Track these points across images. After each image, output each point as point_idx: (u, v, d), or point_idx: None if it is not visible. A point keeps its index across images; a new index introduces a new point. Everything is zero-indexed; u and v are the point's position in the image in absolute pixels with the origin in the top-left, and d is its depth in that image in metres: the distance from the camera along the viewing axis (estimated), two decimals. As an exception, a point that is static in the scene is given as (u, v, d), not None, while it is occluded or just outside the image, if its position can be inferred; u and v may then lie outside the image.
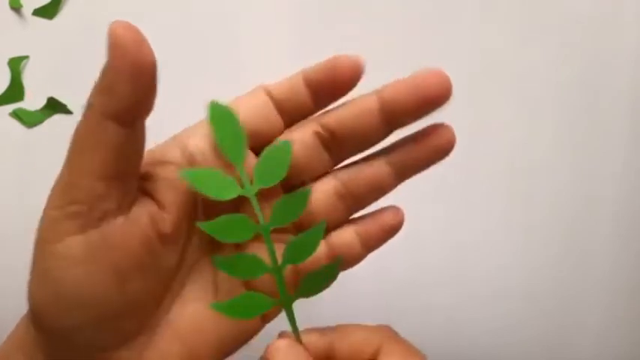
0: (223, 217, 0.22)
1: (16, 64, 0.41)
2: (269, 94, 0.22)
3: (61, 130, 0.39)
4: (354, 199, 0.23)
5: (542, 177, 0.42)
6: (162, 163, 0.21)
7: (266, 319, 0.24)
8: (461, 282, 0.41)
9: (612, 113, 0.42)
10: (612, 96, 0.42)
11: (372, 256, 0.43)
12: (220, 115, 0.22)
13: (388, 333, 0.24)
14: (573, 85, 0.42)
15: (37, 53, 0.41)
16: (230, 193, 0.22)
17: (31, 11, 0.41)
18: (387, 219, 0.24)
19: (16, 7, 0.41)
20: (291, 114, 0.22)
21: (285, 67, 0.38)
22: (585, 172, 0.42)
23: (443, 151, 0.23)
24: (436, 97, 0.21)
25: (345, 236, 0.23)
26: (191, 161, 0.21)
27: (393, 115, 0.22)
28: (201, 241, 0.22)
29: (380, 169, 0.23)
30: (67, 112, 0.41)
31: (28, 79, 0.41)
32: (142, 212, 0.20)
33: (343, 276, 0.37)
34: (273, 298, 0.23)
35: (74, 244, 0.19)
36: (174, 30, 0.42)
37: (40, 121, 0.41)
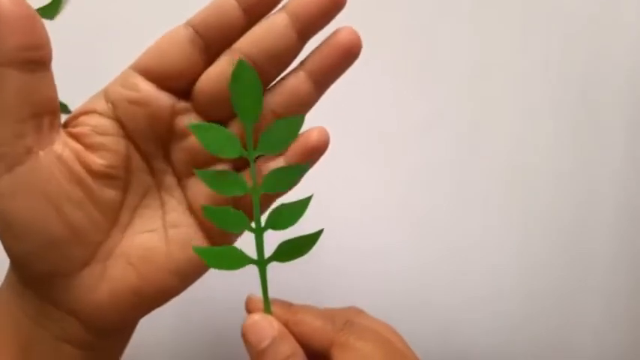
0: (220, 171, 0.25)
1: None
2: (193, 25, 0.24)
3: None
4: (281, 114, 0.25)
5: (542, 177, 0.42)
6: (87, 112, 0.24)
7: (221, 245, 0.26)
8: (460, 282, 0.41)
9: (612, 113, 0.42)
10: (612, 95, 0.42)
11: (371, 257, 0.43)
12: (244, 75, 0.23)
13: (346, 320, 0.26)
14: (573, 85, 0.42)
15: None
16: (232, 153, 0.24)
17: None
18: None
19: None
20: (220, 39, 0.24)
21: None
22: (584, 172, 0.42)
23: (350, 50, 0.25)
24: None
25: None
26: (113, 110, 0.24)
27: (303, 25, 0.24)
28: (145, 182, 0.25)
29: (298, 79, 0.25)
30: (67, 112, 0.41)
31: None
32: (65, 149, 0.23)
33: (343, 276, 0.37)
34: (250, 257, 0.25)
35: (5, 181, 0.22)
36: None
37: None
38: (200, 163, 0.25)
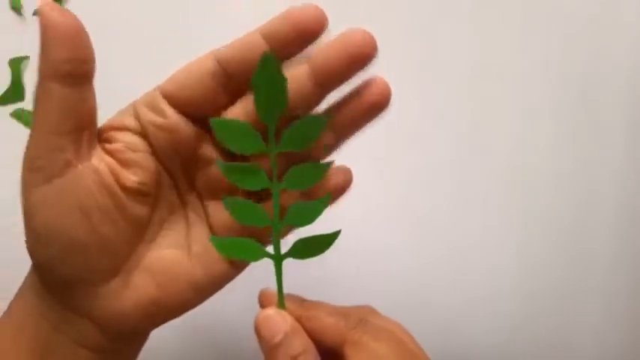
0: (241, 164, 0.25)
1: (16, 65, 0.41)
2: (219, 58, 0.23)
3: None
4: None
5: (542, 177, 0.42)
6: (119, 128, 0.24)
7: (237, 267, 0.26)
8: (460, 282, 0.41)
9: (612, 113, 0.42)
10: (612, 95, 0.42)
11: (371, 257, 0.43)
12: (269, 69, 0.23)
13: (360, 318, 0.26)
14: (573, 85, 0.42)
15: (38, 53, 0.41)
16: (253, 149, 0.24)
17: (32, 11, 0.41)
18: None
19: (16, 7, 0.41)
20: (245, 76, 0.23)
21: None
22: (584, 172, 0.42)
23: (379, 105, 0.24)
24: (364, 55, 0.23)
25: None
26: (143, 129, 0.24)
27: (325, 79, 0.23)
28: (172, 199, 0.26)
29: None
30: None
31: (28, 79, 0.41)
32: (102, 163, 0.24)
33: (343, 275, 0.37)
34: (267, 251, 0.25)
35: (43, 192, 0.23)
36: (174, 30, 0.42)
37: (41, 121, 0.41)
38: (221, 191, 0.25)
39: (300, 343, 0.25)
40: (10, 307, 0.27)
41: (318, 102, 0.24)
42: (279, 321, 0.25)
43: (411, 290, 0.40)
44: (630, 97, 0.42)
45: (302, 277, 0.36)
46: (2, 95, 0.41)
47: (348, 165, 0.40)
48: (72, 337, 0.25)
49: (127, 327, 0.25)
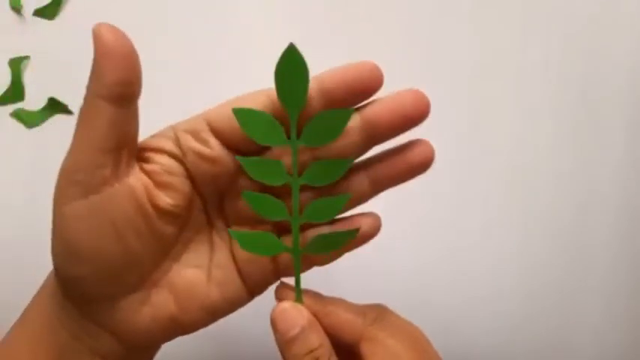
0: (260, 158, 0.25)
1: (16, 65, 0.41)
2: (272, 98, 0.24)
3: (61, 131, 0.39)
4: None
5: (542, 177, 0.42)
6: (157, 150, 0.25)
7: (251, 294, 0.27)
8: (460, 282, 0.41)
9: (612, 113, 0.42)
10: (612, 95, 0.42)
11: (371, 257, 0.43)
12: (293, 61, 0.23)
13: (376, 316, 0.26)
14: (573, 85, 0.42)
15: (38, 53, 0.41)
16: (274, 141, 0.24)
17: (32, 11, 0.41)
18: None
19: (16, 7, 0.41)
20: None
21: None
22: (584, 172, 0.42)
23: (419, 166, 0.25)
24: (415, 116, 0.24)
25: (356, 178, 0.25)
26: (182, 155, 0.25)
27: (374, 133, 0.24)
28: (200, 221, 0.26)
29: (357, 180, 0.25)
30: (68, 112, 0.41)
31: (28, 79, 0.41)
32: (138, 183, 0.24)
33: (343, 276, 0.37)
34: (285, 245, 0.25)
35: (78, 206, 0.23)
36: (175, 30, 0.42)
37: (41, 122, 0.41)
38: (246, 223, 0.26)
39: (317, 337, 0.25)
40: (24, 316, 0.27)
41: (364, 151, 0.25)
42: (296, 315, 0.25)
43: (411, 290, 0.40)
44: (630, 97, 0.42)
45: (302, 277, 0.36)
46: (2, 95, 0.41)
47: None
48: (89, 346, 0.26)
49: (143, 340, 0.26)
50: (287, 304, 0.25)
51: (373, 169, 0.25)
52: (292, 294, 0.26)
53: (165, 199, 0.25)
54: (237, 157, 0.25)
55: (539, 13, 0.42)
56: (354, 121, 0.24)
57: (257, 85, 0.36)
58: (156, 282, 0.26)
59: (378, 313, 0.26)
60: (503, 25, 0.42)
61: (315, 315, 0.26)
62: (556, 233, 0.41)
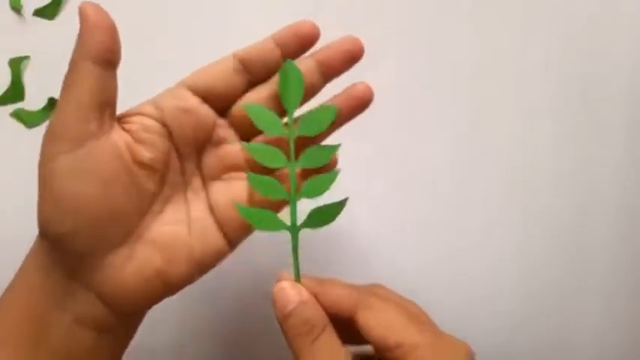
0: (263, 145, 0.29)
1: (16, 65, 0.41)
2: (239, 57, 0.29)
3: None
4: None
5: (542, 177, 0.42)
6: (137, 114, 0.28)
7: (232, 245, 0.29)
8: (460, 282, 0.41)
9: (612, 113, 0.42)
10: (612, 95, 0.42)
11: (371, 257, 0.43)
12: (290, 71, 0.29)
13: (371, 289, 0.29)
14: (573, 85, 0.42)
15: (38, 53, 0.41)
16: (275, 131, 0.29)
17: (32, 11, 0.41)
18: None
19: (16, 7, 0.41)
20: (259, 71, 0.29)
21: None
22: (584, 172, 0.42)
23: (355, 53, 0.30)
24: (354, 53, 0.29)
25: (306, 62, 0.30)
26: (161, 115, 0.28)
27: (326, 70, 0.29)
28: (177, 180, 0.29)
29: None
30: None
31: (28, 79, 0.41)
32: (120, 139, 0.27)
33: (343, 276, 0.37)
34: (285, 223, 0.28)
35: (66, 160, 0.25)
36: (175, 30, 0.42)
37: (41, 122, 0.41)
38: (230, 167, 0.30)
39: (313, 312, 0.27)
40: (8, 290, 0.28)
41: (321, 87, 0.30)
42: (293, 291, 0.27)
43: (411, 290, 0.40)
44: (630, 97, 0.42)
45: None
46: (2, 95, 0.41)
47: (348, 165, 0.41)
48: (74, 314, 0.27)
49: (130, 300, 0.28)
50: (286, 283, 0.27)
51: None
52: (292, 279, 0.28)
53: (144, 153, 0.27)
54: (242, 143, 0.29)
55: (539, 13, 0.42)
56: (310, 64, 0.29)
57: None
58: (140, 237, 0.28)
59: (373, 287, 0.29)
60: (503, 25, 0.42)
61: (313, 293, 0.27)
62: (556, 233, 0.41)
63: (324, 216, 0.29)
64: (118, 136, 0.27)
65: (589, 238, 0.42)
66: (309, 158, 0.29)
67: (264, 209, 0.28)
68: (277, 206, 0.29)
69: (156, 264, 0.28)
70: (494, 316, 0.41)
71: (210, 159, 0.30)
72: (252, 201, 0.29)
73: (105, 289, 0.27)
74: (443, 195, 0.41)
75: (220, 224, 0.29)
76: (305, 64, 0.29)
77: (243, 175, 0.29)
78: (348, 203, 0.41)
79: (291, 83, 0.29)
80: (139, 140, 0.28)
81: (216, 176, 0.30)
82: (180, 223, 0.29)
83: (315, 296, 0.27)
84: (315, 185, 0.29)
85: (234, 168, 0.30)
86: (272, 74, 0.29)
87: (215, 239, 0.29)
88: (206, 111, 0.29)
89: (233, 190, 0.29)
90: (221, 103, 0.29)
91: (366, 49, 0.41)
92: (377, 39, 0.41)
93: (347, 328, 0.27)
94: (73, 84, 0.26)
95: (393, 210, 0.41)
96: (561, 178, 0.42)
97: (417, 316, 0.27)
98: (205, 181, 0.30)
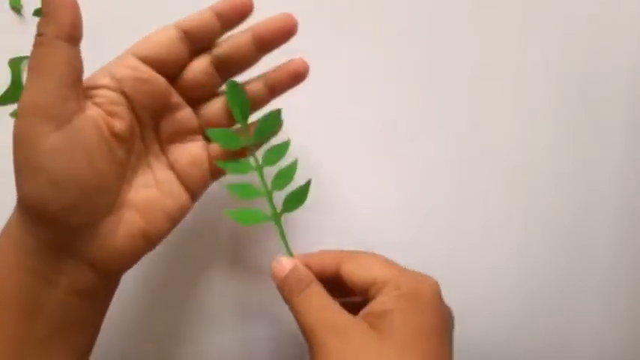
0: (236, 161, 0.34)
1: (16, 65, 0.41)
2: (182, 27, 0.31)
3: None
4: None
5: (542, 177, 0.42)
6: (98, 87, 0.30)
7: (194, 197, 0.33)
8: (460, 282, 0.41)
9: (612, 113, 0.42)
10: (612, 95, 0.42)
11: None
12: (234, 89, 0.33)
13: (355, 251, 0.33)
14: (573, 85, 0.42)
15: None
16: (237, 144, 0.34)
17: (32, 11, 0.41)
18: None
19: (16, 7, 0.41)
20: (201, 40, 0.32)
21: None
22: (584, 172, 0.42)
23: (298, 73, 0.33)
24: (287, 27, 0.32)
25: (254, 84, 0.34)
26: (120, 86, 0.30)
27: (261, 43, 0.32)
28: (139, 148, 0.32)
29: (256, 86, 0.34)
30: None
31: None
32: (95, 113, 0.29)
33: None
34: (267, 214, 0.34)
35: (54, 139, 0.26)
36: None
37: (41, 121, 0.41)
38: (185, 130, 0.33)
39: (303, 273, 0.31)
40: None
41: (256, 61, 0.33)
42: (286, 262, 0.32)
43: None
44: (630, 97, 0.42)
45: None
46: (2, 95, 0.41)
47: (348, 165, 0.41)
48: (63, 286, 0.28)
49: (118, 262, 0.30)
50: (281, 257, 0.33)
51: (267, 78, 0.33)
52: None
53: (117, 125, 0.29)
54: (218, 162, 0.33)
55: (539, 13, 0.42)
56: (247, 36, 0.32)
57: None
58: (122, 204, 0.30)
59: (357, 250, 0.33)
60: (503, 25, 0.42)
61: (303, 262, 0.32)
62: (556, 233, 0.41)
63: (297, 199, 0.34)
64: (92, 111, 0.29)
65: (589, 238, 0.42)
66: (270, 157, 0.34)
67: (250, 209, 0.34)
68: (239, 154, 0.34)
69: (140, 225, 0.30)
70: (495, 316, 0.41)
71: (166, 125, 0.32)
72: (210, 156, 0.33)
73: (99, 257, 0.29)
74: (443, 195, 0.41)
75: (182, 182, 0.32)
76: (243, 36, 0.32)
77: (198, 136, 0.33)
78: (348, 204, 0.41)
79: (238, 100, 0.33)
80: (110, 113, 0.29)
81: (173, 140, 0.33)
82: (151, 186, 0.32)
83: (306, 264, 0.32)
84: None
85: (188, 131, 0.33)
86: (212, 42, 0.32)
87: (180, 195, 0.32)
88: (160, 79, 0.31)
89: (190, 150, 0.33)
90: (170, 71, 0.31)
91: (365, 49, 0.41)
92: (377, 39, 0.41)
93: (337, 287, 0.31)
94: (49, 63, 0.26)
95: (393, 210, 0.41)
96: (561, 178, 0.42)
97: (394, 265, 0.32)
98: (163, 146, 0.33)
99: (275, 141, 0.35)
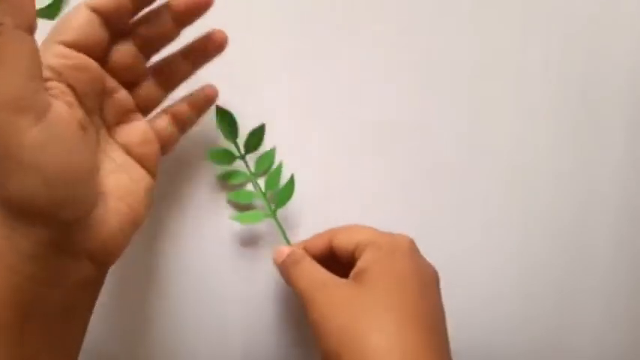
0: (230, 170, 0.39)
1: None
2: (95, 10, 0.30)
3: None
4: (167, 83, 0.35)
5: (542, 177, 0.42)
6: (45, 79, 0.28)
7: (153, 176, 0.34)
8: (460, 282, 0.41)
9: (612, 113, 0.42)
10: (612, 95, 0.42)
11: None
12: (222, 113, 0.38)
13: (342, 226, 0.37)
14: (573, 85, 0.42)
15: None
16: (231, 161, 0.39)
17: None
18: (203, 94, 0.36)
19: None
20: (118, 22, 0.31)
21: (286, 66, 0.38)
22: (584, 172, 0.42)
23: (217, 42, 0.35)
24: (202, 3, 0.32)
25: (160, 121, 0.35)
26: (61, 77, 0.29)
27: (179, 18, 0.33)
28: (95, 137, 0.31)
29: (176, 60, 0.35)
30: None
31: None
32: (61, 104, 0.27)
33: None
34: (264, 213, 0.38)
35: (37, 133, 0.25)
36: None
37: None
38: (126, 111, 0.33)
39: (299, 253, 0.35)
40: None
41: (179, 33, 0.33)
42: (286, 248, 0.36)
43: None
44: (630, 97, 0.42)
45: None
46: None
47: (348, 165, 0.41)
48: (66, 285, 0.28)
49: (112, 249, 0.30)
50: (281, 247, 0.36)
51: (186, 51, 0.35)
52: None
53: (78, 115, 0.29)
54: (209, 152, 0.38)
55: (539, 13, 0.42)
56: (167, 14, 0.32)
57: (254, 85, 0.36)
58: (103, 193, 0.30)
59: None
60: (503, 25, 0.42)
61: (301, 248, 0.36)
62: (556, 233, 0.41)
63: (285, 195, 0.38)
64: (60, 103, 0.28)
65: (589, 238, 0.42)
66: (261, 164, 0.39)
67: (251, 211, 0.39)
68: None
69: (124, 211, 0.30)
70: (494, 316, 0.41)
71: (109, 108, 0.32)
72: (157, 132, 0.34)
73: (96, 248, 0.29)
74: (443, 195, 0.41)
75: (139, 162, 0.33)
76: (160, 11, 0.33)
77: (138, 115, 0.34)
78: (347, 203, 0.41)
79: (225, 122, 0.38)
80: (68, 104, 0.29)
81: (117, 122, 0.33)
82: (117, 171, 0.31)
83: (304, 249, 0.36)
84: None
85: (129, 111, 0.33)
86: (128, 22, 0.32)
87: (142, 176, 0.33)
88: (94, 64, 0.30)
89: (136, 130, 0.33)
90: (97, 54, 0.31)
91: (365, 49, 0.41)
92: (377, 38, 0.41)
93: (337, 266, 0.34)
94: (12, 54, 0.24)
95: (393, 210, 0.41)
96: (561, 178, 0.42)
97: (373, 227, 0.35)
98: (110, 130, 0.32)
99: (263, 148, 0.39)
